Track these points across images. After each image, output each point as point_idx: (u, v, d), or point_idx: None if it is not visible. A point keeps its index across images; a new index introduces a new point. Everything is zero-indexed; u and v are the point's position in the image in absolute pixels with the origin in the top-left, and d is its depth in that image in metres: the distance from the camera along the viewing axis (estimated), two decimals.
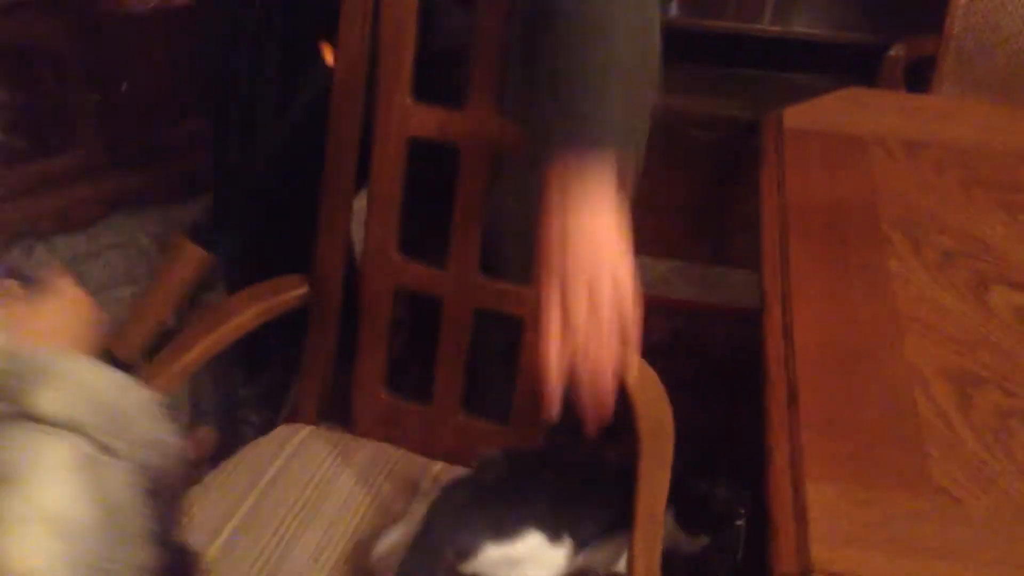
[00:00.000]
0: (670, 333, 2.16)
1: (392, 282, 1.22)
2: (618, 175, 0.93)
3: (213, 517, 1.14)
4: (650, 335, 2.04)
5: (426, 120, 1.14)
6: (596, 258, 0.92)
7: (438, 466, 1.25)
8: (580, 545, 1.06)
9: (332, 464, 1.23)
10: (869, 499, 0.85)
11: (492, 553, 1.05)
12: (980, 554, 0.82)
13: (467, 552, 1.03)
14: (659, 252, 2.40)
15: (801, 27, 2.60)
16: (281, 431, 1.28)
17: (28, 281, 0.83)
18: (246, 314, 1.22)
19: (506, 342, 1.22)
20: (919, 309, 1.06)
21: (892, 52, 1.74)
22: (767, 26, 2.58)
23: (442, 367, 1.24)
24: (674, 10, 2.75)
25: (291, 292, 1.26)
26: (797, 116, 1.38)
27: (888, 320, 1.04)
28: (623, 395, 1.11)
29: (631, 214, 0.95)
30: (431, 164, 1.15)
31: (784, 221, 1.18)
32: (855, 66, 1.95)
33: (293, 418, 1.32)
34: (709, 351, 2.13)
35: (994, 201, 1.22)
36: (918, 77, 1.77)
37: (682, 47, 2.87)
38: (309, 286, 1.26)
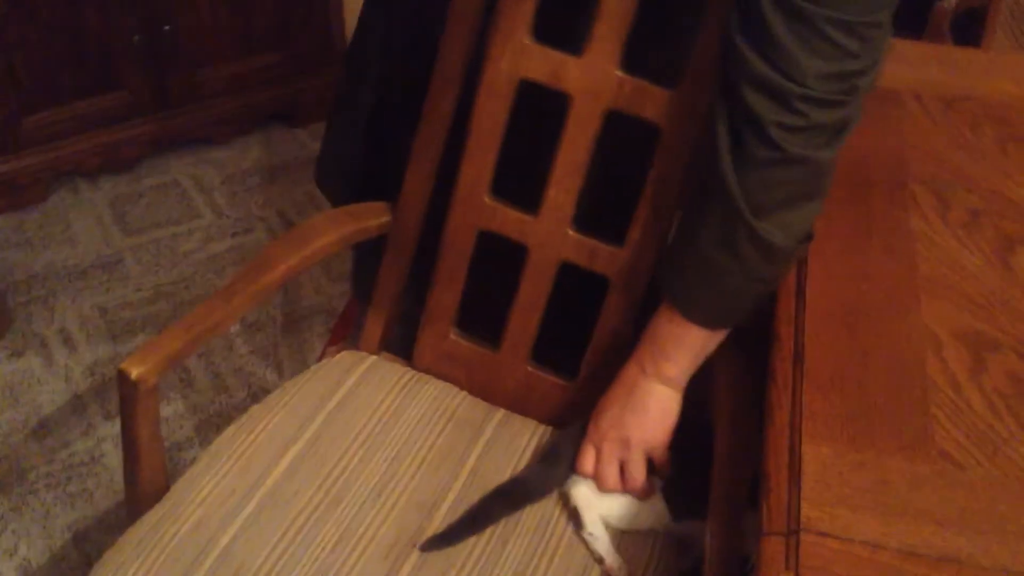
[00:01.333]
0: None
1: (479, 223, 1.22)
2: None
3: (276, 438, 1.16)
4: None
5: (542, 63, 1.11)
6: (639, 439, 1.09)
7: (500, 414, 1.25)
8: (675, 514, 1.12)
9: (397, 397, 1.24)
10: (867, 461, 0.83)
11: (584, 489, 1.12)
12: (979, 521, 0.80)
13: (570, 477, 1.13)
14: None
15: None
16: (346, 357, 1.29)
17: None
18: (328, 237, 1.24)
19: (586, 299, 1.21)
20: (939, 269, 1.03)
21: (940, 3, 1.68)
22: None
23: (517, 315, 1.24)
24: None
25: (374, 219, 1.27)
26: None
27: (906, 279, 1.01)
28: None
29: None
30: (535, 110, 1.15)
31: None
32: (905, 18, 1.88)
33: (357, 345, 1.33)
34: None
35: None
36: (968, 32, 1.70)
37: None
38: (392, 214, 1.26)
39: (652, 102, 1.08)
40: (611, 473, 1.10)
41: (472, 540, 1.08)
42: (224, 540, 1.04)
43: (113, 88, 2.30)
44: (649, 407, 1.08)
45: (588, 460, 1.11)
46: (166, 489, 1.11)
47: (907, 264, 1.03)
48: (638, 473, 1.10)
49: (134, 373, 1.03)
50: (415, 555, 1.06)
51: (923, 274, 1.02)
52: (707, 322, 1.04)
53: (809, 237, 1.01)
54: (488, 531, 1.09)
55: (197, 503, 1.08)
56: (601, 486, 1.11)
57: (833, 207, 1.11)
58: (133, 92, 2.33)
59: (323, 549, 1.05)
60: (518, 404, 1.27)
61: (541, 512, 1.13)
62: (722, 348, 1.08)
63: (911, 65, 1.35)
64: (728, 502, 0.97)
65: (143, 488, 1.11)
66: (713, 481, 1.00)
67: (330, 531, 1.07)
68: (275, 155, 2.55)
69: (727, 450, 1.02)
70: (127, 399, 1.05)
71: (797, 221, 0.98)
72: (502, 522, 1.11)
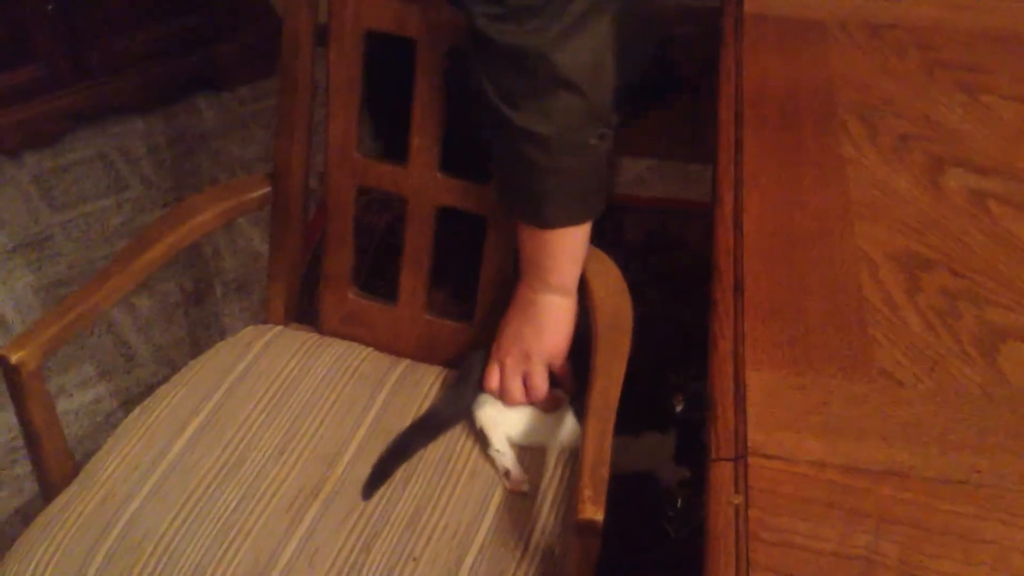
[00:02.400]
0: (645, 232, 2.14)
1: (354, 181, 1.21)
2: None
3: (179, 413, 1.16)
4: (626, 233, 2.04)
5: (382, 12, 1.11)
6: (537, 350, 1.13)
7: (404, 364, 1.26)
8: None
9: (299, 363, 1.24)
10: (808, 384, 0.85)
11: (489, 410, 1.16)
12: (920, 434, 0.81)
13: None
14: (635, 151, 2.37)
15: None
16: (248, 331, 1.28)
17: None
18: (209, 212, 1.22)
19: (470, 241, 1.22)
20: (871, 194, 1.04)
21: None
22: None
23: (407, 267, 1.24)
24: None
25: (255, 191, 1.26)
26: (758, 1, 1.34)
27: (839, 206, 1.02)
28: (583, 285, 1.12)
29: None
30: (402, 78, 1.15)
31: (739, 109, 1.15)
32: None
33: (263, 319, 1.32)
34: (685, 248, 2.12)
35: (955, 82, 1.19)
36: None
37: None
38: (271, 185, 1.25)
39: None
40: (515, 386, 1.15)
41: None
42: (129, 512, 1.05)
43: (29, 60, 2.22)
44: (544, 318, 1.13)
45: (493, 377, 1.16)
46: (75, 472, 1.11)
47: (839, 190, 1.04)
48: (541, 382, 1.15)
49: (14, 358, 1.02)
50: (317, 505, 1.07)
51: (855, 199, 1.03)
52: (553, 222, 1.07)
53: (604, 132, 1.03)
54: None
55: (102, 481, 1.08)
56: (507, 401, 1.15)
57: (765, 137, 1.11)
58: (50, 64, 2.25)
59: (226, 509, 1.06)
60: (421, 353, 1.28)
61: (443, 447, 1.15)
62: (594, 263, 1.15)
63: None
64: (600, 414, 0.99)
65: (50, 472, 1.10)
66: (588, 393, 1.02)
67: (233, 492, 1.08)
68: (201, 121, 2.50)
69: (600, 361, 1.06)
70: (14, 385, 1.04)
71: (556, 110, 0.98)
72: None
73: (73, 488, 1.08)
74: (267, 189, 1.25)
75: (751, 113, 1.15)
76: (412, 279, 1.25)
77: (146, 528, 1.03)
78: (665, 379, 1.59)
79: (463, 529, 1.06)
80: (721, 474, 0.79)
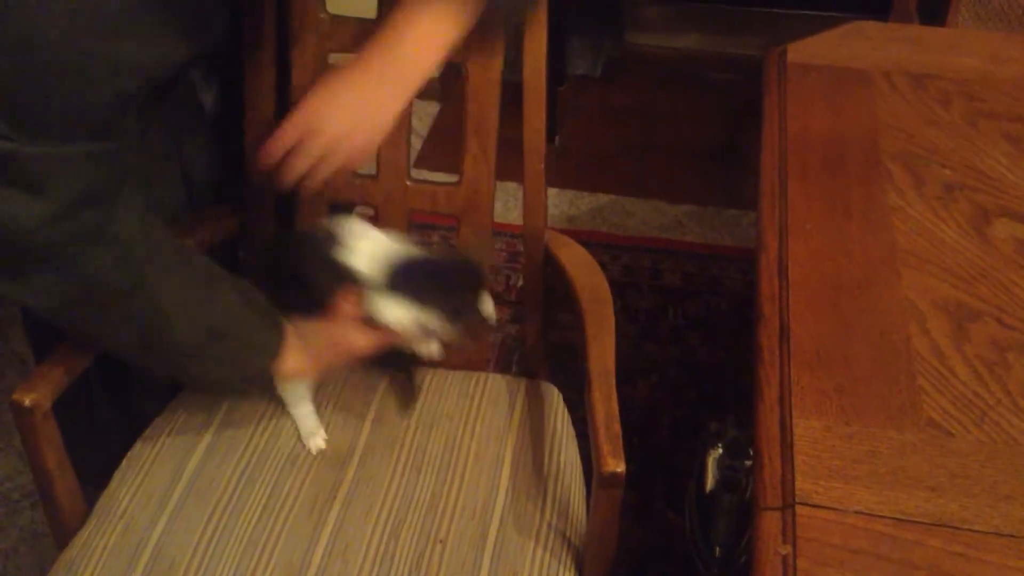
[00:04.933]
0: (682, 276, 2.15)
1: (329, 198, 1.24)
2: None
3: (185, 436, 1.18)
4: (663, 278, 2.06)
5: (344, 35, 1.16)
6: (342, 130, 0.98)
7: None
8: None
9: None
10: (856, 433, 0.84)
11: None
12: (970, 486, 0.81)
13: None
14: (673, 196, 2.37)
15: None
16: None
17: None
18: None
19: None
20: (917, 243, 1.04)
21: None
22: None
23: None
24: None
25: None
26: (801, 50, 1.35)
27: (885, 254, 1.03)
28: (559, 272, 1.18)
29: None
30: None
31: (783, 156, 1.16)
32: (871, 3, 1.91)
33: None
34: (722, 292, 2.12)
35: (1000, 132, 1.19)
36: (934, 11, 1.72)
37: None
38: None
39: None
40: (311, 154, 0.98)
41: (388, 475, 1.12)
42: (154, 538, 1.06)
43: None
44: (373, 89, 0.98)
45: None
46: (86, 510, 1.11)
47: (886, 239, 1.04)
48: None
49: (28, 401, 1.01)
50: (338, 504, 1.09)
51: (902, 247, 1.03)
52: None
53: None
54: (401, 462, 1.14)
55: (120, 513, 1.09)
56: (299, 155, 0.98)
57: (809, 184, 1.12)
58: None
59: (251, 520, 1.07)
60: None
61: (445, 436, 1.17)
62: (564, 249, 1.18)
63: (880, 45, 1.37)
64: (601, 378, 1.01)
65: (64, 513, 1.10)
66: (586, 363, 1.04)
67: (254, 502, 1.09)
68: None
69: (591, 333, 1.08)
70: (27, 428, 1.03)
71: None
72: (412, 453, 1.15)
73: (91, 525, 1.09)
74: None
75: (795, 160, 1.15)
76: None
77: (175, 550, 1.04)
78: (705, 425, 1.59)
79: (480, 506, 1.08)
80: (768, 524, 0.79)
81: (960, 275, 1.00)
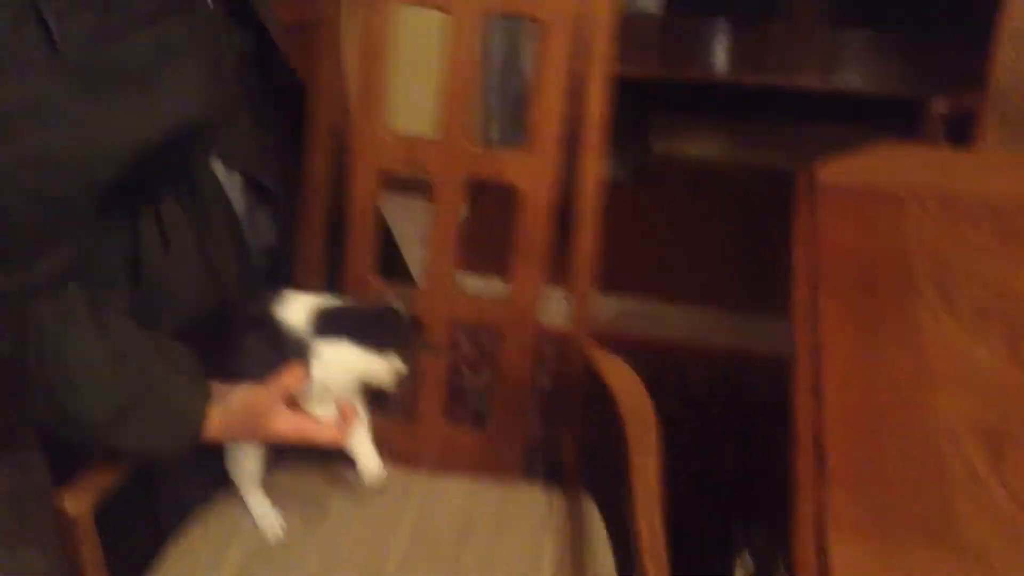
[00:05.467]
0: (708, 382, 2.15)
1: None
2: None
3: (215, 546, 1.18)
4: (689, 384, 2.06)
5: None
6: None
7: (422, 480, 1.29)
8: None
9: (324, 482, 1.27)
10: (894, 557, 0.84)
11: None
12: None
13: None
14: (700, 300, 2.40)
15: (846, 81, 2.61)
16: None
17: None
18: None
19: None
20: (951, 364, 1.05)
21: (933, 106, 1.74)
22: (810, 82, 2.60)
23: (427, 382, 1.27)
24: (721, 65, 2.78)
25: None
26: (831, 170, 1.39)
27: (919, 375, 1.04)
28: (600, 387, 1.17)
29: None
30: None
31: (815, 275, 1.18)
32: (899, 120, 1.95)
33: None
34: (749, 398, 2.12)
35: None
36: (961, 132, 1.77)
37: (726, 101, 2.91)
38: None
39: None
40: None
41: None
42: None
43: None
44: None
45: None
46: None
47: (920, 360, 1.06)
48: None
49: (72, 510, 1.02)
50: None
51: (935, 369, 1.05)
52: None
53: None
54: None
55: None
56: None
57: (841, 303, 1.14)
58: None
59: None
60: (440, 462, 1.30)
61: (484, 545, 1.17)
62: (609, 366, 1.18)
63: (910, 168, 1.40)
64: (645, 503, 1.00)
65: None
66: (630, 488, 1.03)
67: None
68: None
69: (636, 460, 1.06)
70: (68, 536, 1.03)
71: None
72: (448, 563, 1.15)
73: None
74: None
75: (827, 279, 1.18)
76: (431, 393, 1.28)
77: None
78: (732, 535, 1.58)
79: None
80: None
81: (995, 397, 1.01)
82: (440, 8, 1.18)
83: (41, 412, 0.99)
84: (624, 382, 1.16)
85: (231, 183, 1.17)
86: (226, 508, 1.22)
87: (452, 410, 1.31)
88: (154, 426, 1.02)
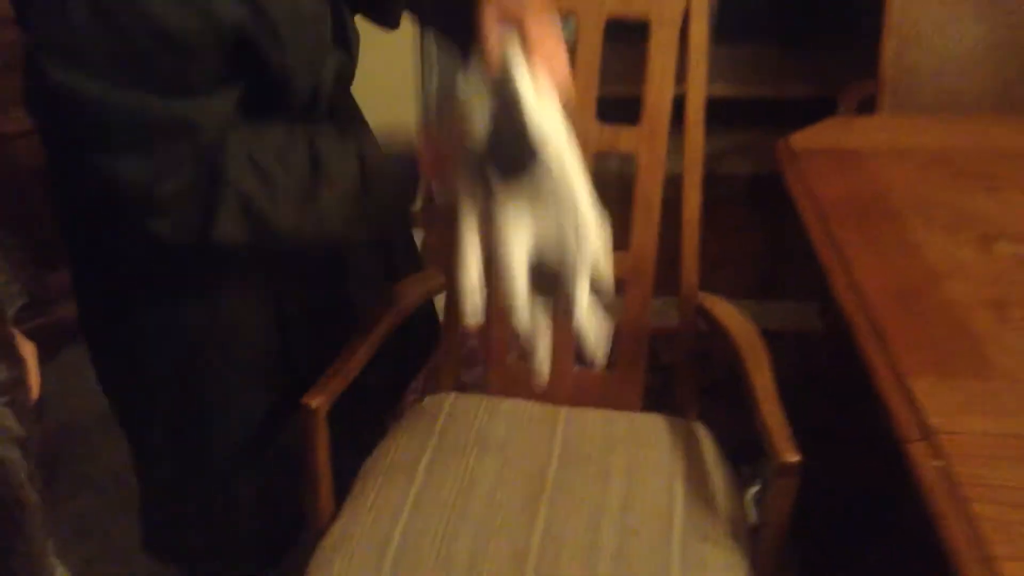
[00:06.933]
0: (727, 366, 2.33)
1: None
2: None
3: (407, 458, 1.39)
4: (711, 367, 2.25)
5: None
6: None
7: (565, 410, 1.49)
8: None
9: (487, 415, 1.48)
10: (955, 388, 1.12)
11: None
12: None
13: None
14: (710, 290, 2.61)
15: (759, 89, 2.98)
16: (430, 400, 1.52)
17: None
18: (414, 294, 1.49)
19: None
20: (946, 263, 1.35)
21: (848, 95, 2.10)
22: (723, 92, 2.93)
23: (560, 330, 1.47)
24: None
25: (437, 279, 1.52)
26: (802, 139, 1.69)
27: (925, 271, 1.33)
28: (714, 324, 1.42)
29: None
30: None
31: (822, 215, 1.47)
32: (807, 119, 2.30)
33: (434, 389, 1.56)
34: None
35: (978, 188, 1.54)
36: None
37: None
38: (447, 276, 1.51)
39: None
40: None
41: (581, 483, 1.32)
42: (400, 524, 1.27)
43: None
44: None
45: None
46: (334, 507, 1.33)
47: (922, 262, 1.35)
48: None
49: (314, 404, 1.23)
50: (544, 506, 1.29)
51: (936, 267, 1.34)
52: None
53: None
54: (591, 474, 1.34)
55: (367, 508, 1.30)
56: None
57: (851, 234, 1.42)
58: None
59: (476, 516, 1.28)
60: (574, 399, 1.51)
61: (627, 456, 1.38)
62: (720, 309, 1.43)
63: (862, 133, 1.72)
64: (766, 399, 1.24)
65: (322, 509, 1.31)
66: (751, 393, 1.27)
67: (475, 503, 1.30)
68: None
69: (752, 371, 1.31)
70: (309, 430, 1.25)
71: None
72: (599, 466, 1.36)
73: (344, 518, 1.29)
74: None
75: (831, 216, 1.46)
76: (565, 341, 1.45)
77: (417, 537, 1.24)
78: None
79: (664, 507, 1.28)
80: (918, 452, 1.04)
81: (986, 281, 1.32)
82: (569, 11, 1.42)
83: (235, 230, 1.03)
84: (734, 321, 1.42)
85: None
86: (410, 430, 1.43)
87: (581, 354, 1.50)
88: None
